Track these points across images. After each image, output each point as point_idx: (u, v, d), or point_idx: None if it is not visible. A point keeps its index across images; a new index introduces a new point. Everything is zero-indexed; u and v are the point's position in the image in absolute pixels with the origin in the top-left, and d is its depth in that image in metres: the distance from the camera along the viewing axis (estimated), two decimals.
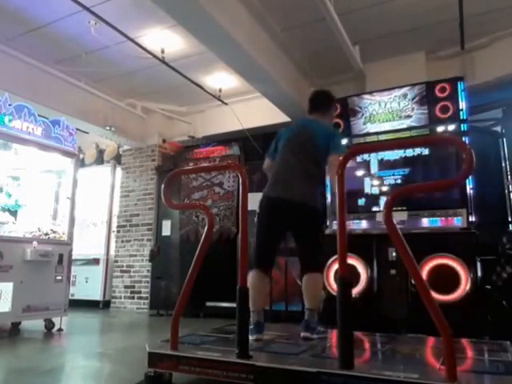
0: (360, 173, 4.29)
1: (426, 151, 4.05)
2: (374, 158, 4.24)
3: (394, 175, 4.16)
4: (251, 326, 2.48)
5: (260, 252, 2.77)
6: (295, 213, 2.69)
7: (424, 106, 4.11)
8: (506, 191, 4.51)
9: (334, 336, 2.74)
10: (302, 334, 2.60)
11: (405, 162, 4.12)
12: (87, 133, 6.43)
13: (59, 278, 4.14)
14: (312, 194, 2.79)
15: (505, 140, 4.57)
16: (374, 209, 4.14)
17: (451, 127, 3.95)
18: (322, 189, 2.97)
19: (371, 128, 4.33)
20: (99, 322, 5.36)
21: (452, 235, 3.66)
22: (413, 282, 3.04)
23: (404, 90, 4.22)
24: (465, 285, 3.43)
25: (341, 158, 2.69)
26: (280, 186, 2.78)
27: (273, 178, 2.87)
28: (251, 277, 2.55)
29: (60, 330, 4.06)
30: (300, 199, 2.69)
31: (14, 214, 4.48)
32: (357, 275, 3.79)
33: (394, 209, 1.81)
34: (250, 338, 2.45)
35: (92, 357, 3.09)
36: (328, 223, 4.34)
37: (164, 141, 6.71)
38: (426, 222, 3.85)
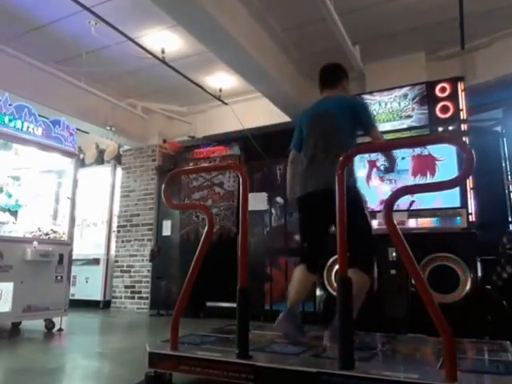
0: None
1: (425, 151, 4.06)
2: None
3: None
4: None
5: (303, 250, 2.71)
6: (325, 202, 2.25)
7: (424, 106, 4.11)
8: (506, 191, 4.51)
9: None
10: (325, 342, 2.32)
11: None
12: (87, 133, 6.43)
13: (59, 278, 4.14)
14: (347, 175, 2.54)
15: (505, 140, 4.57)
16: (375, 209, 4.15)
17: (451, 127, 3.95)
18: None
19: None
20: (99, 322, 5.36)
21: (452, 235, 3.66)
22: (413, 281, 3.04)
23: (404, 90, 4.22)
24: (465, 285, 3.43)
25: (378, 129, 2.59)
26: (305, 181, 2.63)
27: (299, 175, 2.71)
28: (294, 271, 2.63)
29: (60, 330, 4.06)
30: (327, 186, 2.29)
31: (14, 213, 4.48)
32: None
33: (394, 209, 1.80)
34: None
35: (92, 357, 3.09)
36: None
37: (164, 141, 6.72)
38: (426, 222, 3.85)
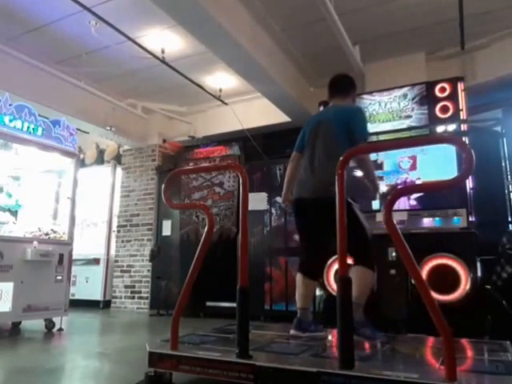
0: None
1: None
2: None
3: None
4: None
5: (301, 255, 2.85)
6: (316, 209, 2.58)
7: (424, 106, 4.11)
8: (506, 191, 4.51)
9: (334, 336, 2.74)
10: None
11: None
12: (87, 133, 6.44)
13: (59, 277, 4.14)
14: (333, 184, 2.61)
15: (505, 140, 4.57)
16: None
17: (451, 127, 3.95)
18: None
19: (371, 128, 4.29)
20: (99, 321, 5.36)
21: (452, 235, 3.66)
22: (413, 281, 3.04)
23: (404, 90, 4.22)
24: (465, 285, 3.43)
25: (364, 144, 2.59)
26: (299, 184, 2.79)
27: (297, 178, 2.86)
28: (296, 278, 2.78)
29: (60, 329, 4.06)
30: (317, 194, 2.58)
31: (14, 213, 4.49)
32: None
33: (394, 209, 1.80)
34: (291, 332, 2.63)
35: (92, 357, 3.10)
36: None
37: (164, 141, 6.72)
38: (426, 222, 3.85)
